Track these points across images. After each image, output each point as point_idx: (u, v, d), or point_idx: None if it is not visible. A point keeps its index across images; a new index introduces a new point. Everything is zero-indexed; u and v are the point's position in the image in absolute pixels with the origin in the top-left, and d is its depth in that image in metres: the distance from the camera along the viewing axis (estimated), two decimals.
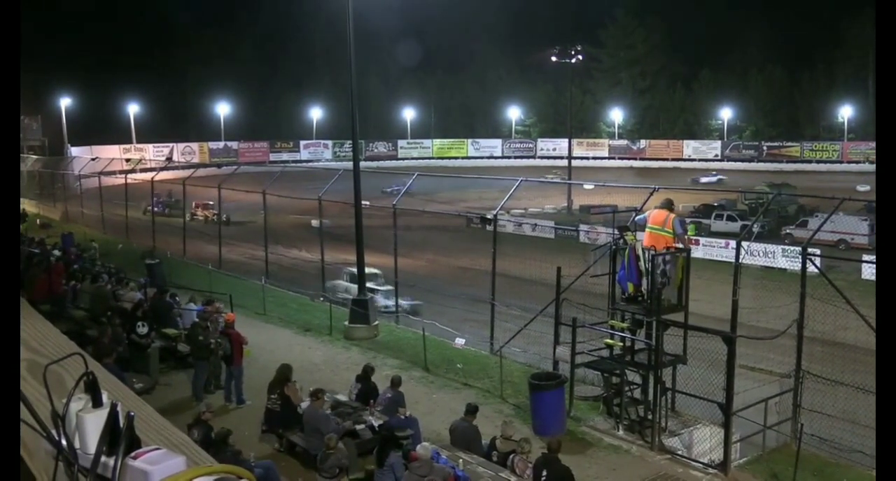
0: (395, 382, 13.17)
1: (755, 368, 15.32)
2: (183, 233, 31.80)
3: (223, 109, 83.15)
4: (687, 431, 13.00)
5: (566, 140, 62.57)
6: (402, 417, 12.29)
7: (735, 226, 37.52)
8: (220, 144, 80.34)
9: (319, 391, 12.29)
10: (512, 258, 21.20)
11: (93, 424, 1.83)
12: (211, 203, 39.69)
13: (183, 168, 49.94)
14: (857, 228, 33.38)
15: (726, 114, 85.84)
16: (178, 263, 28.17)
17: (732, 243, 20.98)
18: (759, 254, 30.46)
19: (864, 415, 12.39)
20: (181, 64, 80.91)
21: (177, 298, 19.26)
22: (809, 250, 13.85)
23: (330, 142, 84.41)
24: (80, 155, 55.39)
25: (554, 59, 63.63)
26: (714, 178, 50.75)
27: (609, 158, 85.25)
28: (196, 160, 71.40)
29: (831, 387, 12.67)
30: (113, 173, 40.67)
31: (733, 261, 13.67)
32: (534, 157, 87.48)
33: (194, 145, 77.93)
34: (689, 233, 33.42)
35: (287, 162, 75.31)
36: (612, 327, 13.85)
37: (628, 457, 12.62)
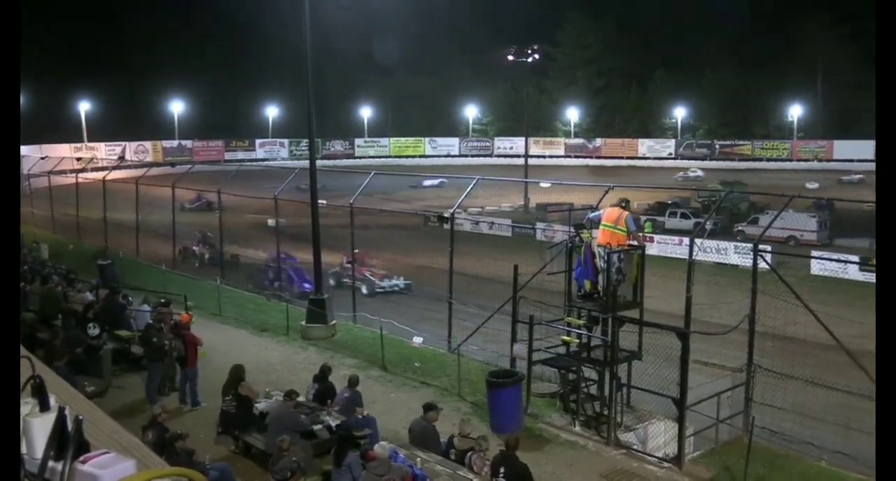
0: (353, 382, 13.13)
1: (708, 363, 15.58)
2: (136, 232, 31.21)
3: (177, 107, 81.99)
4: (642, 426, 13.17)
5: (523, 139, 62.94)
6: (360, 417, 12.26)
7: (688, 224, 38.09)
8: (175, 143, 79.21)
9: (293, 392, 12.27)
10: (469, 256, 21.26)
11: (40, 428, 1.80)
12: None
13: (136, 167, 48.91)
14: (806, 225, 34.14)
15: (680, 113, 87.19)
16: (131, 263, 27.72)
17: (686, 240, 21.27)
18: (712, 251, 30.94)
19: (812, 408, 12.69)
20: (133, 60, 79.30)
21: (130, 299, 18.96)
22: (760, 247, 14.10)
23: (286, 141, 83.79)
24: (28, 154, 53.98)
25: (511, 58, 63.84)
26: (437, 181, 53.44)
27: (565, 157, 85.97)
28: (150, 159, 70.17)
29: (782, 381, 12.93)
30: (63, 173, 39.78)
31: (687, 257, 13.86)
32: (491, 156, 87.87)
33: (147, 144, 76.63)
34: (645, 230, 33.92)
35: (243, 161, 74.45)
36: (569, 324, 13.97)
37: (585, 453, 12.74)
